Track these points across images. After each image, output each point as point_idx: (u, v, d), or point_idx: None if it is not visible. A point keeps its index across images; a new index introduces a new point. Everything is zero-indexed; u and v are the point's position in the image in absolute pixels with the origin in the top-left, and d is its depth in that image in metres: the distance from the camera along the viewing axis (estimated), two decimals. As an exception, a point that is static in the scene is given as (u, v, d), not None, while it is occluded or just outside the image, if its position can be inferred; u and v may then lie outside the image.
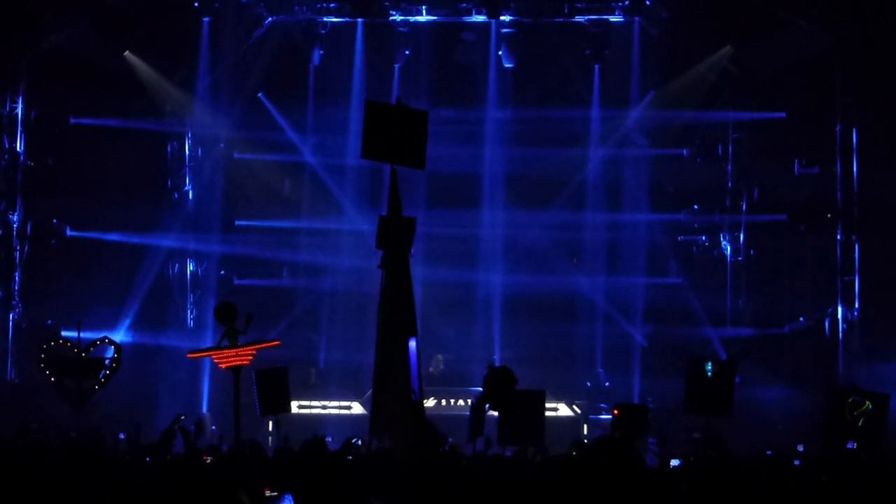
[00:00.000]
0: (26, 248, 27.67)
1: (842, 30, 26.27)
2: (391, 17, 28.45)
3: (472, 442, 16.15)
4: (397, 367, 13.91)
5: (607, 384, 28.08)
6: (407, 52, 28.75)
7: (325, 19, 28.64)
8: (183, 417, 16.68)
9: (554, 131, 28.16)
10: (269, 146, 29.18)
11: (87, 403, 20.79)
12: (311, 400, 26.46)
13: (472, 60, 28.93)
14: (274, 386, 18.68)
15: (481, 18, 28.35)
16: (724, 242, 28.81)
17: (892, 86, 25.88)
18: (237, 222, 29.28)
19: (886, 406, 17.84)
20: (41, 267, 27.67)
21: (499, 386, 15.77)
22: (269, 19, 28.70)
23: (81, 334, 21.18)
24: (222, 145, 29.46)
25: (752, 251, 28.58)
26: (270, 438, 23.14)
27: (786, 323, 27.82)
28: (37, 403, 23.40)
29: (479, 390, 19.41)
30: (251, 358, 15.99)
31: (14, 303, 27.27)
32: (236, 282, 29.00)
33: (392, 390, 13.93)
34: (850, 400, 17.71)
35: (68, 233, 27.97)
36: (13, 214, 27.47)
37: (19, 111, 27.55)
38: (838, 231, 27.22)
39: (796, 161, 27.71)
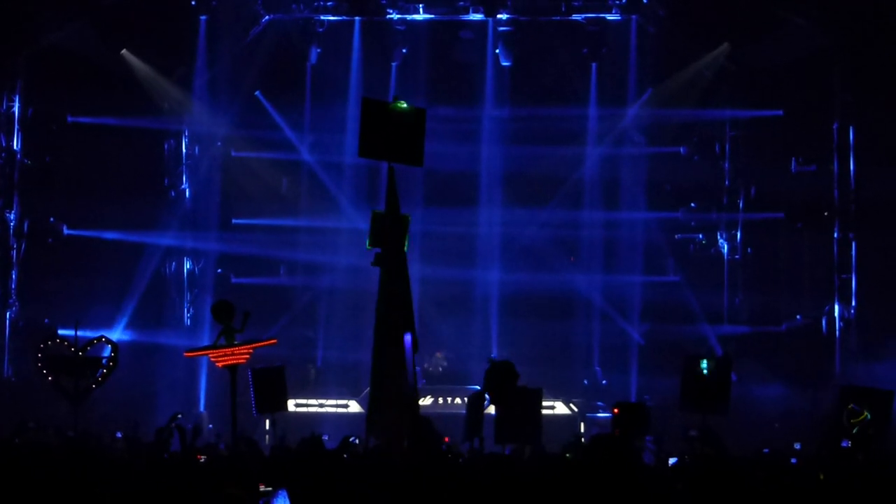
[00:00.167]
0: (23, 247, 27.65)
1: (839, 28, 26.27)
2: (388, 16, 28.46)
3: (470, 440, 16.15)
4: (394, 365, 13.90)
5: (604, 382, 28.11)
6: (404, 51, 28.75)
7: (322, 17, 28.64)
8: (180, 416, 16.69)
9: (551, 129, 28.16)
10: (267, 144, 29.18)
11: (85, 402, 20.79)
12: (308, 398, 26.45)
13: (470, 59, 28.93)
14: (271, 385, 18.68)
15: (478, 17, 28.35)
16: (721, 240, 28.83)
17: (889, 84, 25.89)
18: (234, 220, 29.27)
19: (889, 404, 17.84)
20: (38, 265, 27.65)
21: (500, 380, 15.78)
22: (267, 17, 28.70)
23: (79, 333, 21.19)
24: (219, 143, 29.45)
25: (749, 249, 28.60)
26: (267, 437, 23.15)
27: (783, 321, 27.84)
28: (34, 402, 23.41)
29: (476, 388, 19.43)
30: (248, 356, 15.96)
31: (11, 301, 27.26)
32: (233, 280, 28.99)
33: (389, 388, 13.92)
34: (849, 406, 17.70)
35: (65, 231, 27.97)
36: (10, 213, 27.46)
37: (16, 109, 27.54)
38: (835, 229, 27.24)
39: (793, 159, 27.73)
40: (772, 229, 28.05)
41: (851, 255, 27.06)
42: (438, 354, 28.12)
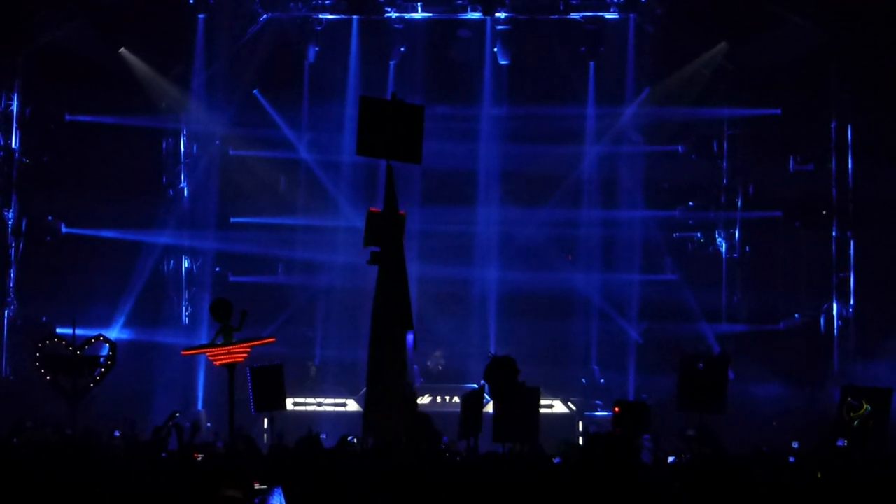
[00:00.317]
0: (21, 245, 27.67)
1: (837, 26, 26.28)
2: (387, 14, 28.45)
3: (466, 439, 16.14)
4: (391, 364, 13.90)
5: (602, 381, 28.10)
6: (402, 49, 28.73)
7: (320, 16, 28.63)
8: (178, 415, 16.69)
9: (549, 128, 28.15)
10: (265, 143, 29.17)
11: (83, 401, 20.81)
12: (306, 397, 26.44)
13: (468, 57, 28.91)
14: (269, 383, 18.67)
15: (477, 15, 28.35)
16: (719, 239, 28.83)
17: (887, 82, 25.91)
18: (232, 219, 29.26)
19: (888, 401, 17.86)
20: (36, 264, 27.67)
21: (501, 375, 15.77)
22: (265, 16, 28.69)
23: (77, 331, 21.21)
24: (218, 142, 29.44)
25: (747, 248, 28.61)
26: (266, 436, 23.14)
27: (781, 319, 27.84)
28: (32, 401, 23.41)
29: (474, 387, 19.41)
30: (246, 355, 15.95)
31: (9, 300, 27.28)
32: (231, 278, 28.99)
33: (386, 387, 13.92)
34: (848, 400, 17.71)
35: (63, 230, 27.98)
36: (8, 211, 27.47)
37: (14, 108, 27.55)
38: (833, 227, 27.27)
39: (791, 157, 27.74)
40: (770, 228, 28.05)
41: (850, 254, 27.07)
42: (437, 353, 28.12)
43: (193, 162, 29.53)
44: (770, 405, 26.18)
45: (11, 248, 27.50)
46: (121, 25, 27.42)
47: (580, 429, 25.60)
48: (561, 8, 27.95)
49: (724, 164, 28.75)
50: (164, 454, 15.66)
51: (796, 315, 27.79)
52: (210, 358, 16.06)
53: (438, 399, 26.16)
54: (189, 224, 29.01)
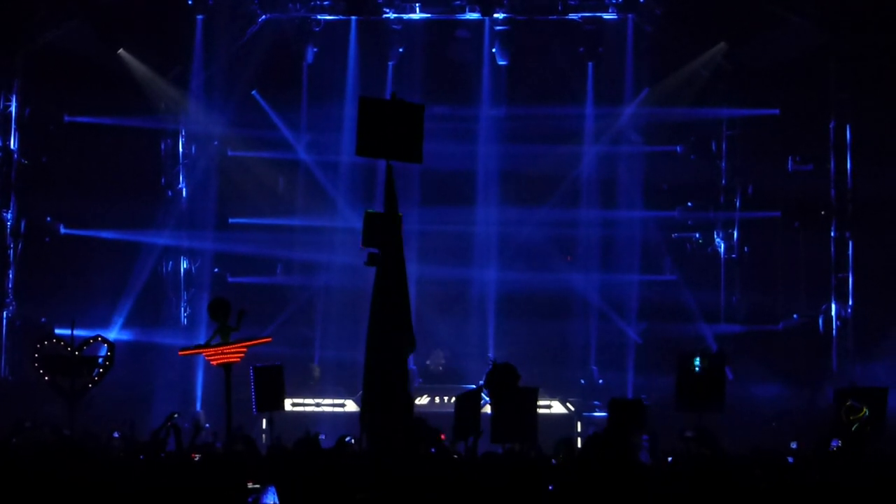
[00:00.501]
0: (20, 246, 27.65)
1: (836, 26, 26.28)
2: (385, 15, 28.44)
3: (463, 439, 16.12)
4: (388, 364, 13.88)
5: (601, 381, 28.09)
6: (401, 50, 28.73)
7: (318, 17, 28.60)
8: (177, 415, 16.67)
9: (548, 128, 28.15)
10: (263, 144, 29.17)
11: (81, 402, 20.81)
12: (304, 397, 26.43)
13: (466, 58, 28.90)
14: (270, 383, 18.69)
15: (475, 16, 28.34)
16: (717, 239, 28.82)
17: (886, 82, 25.91)
18: (231, 220, 29.26)
19: (884, 401, 17.85)
20: (35, 265, 27.66)
21: (502, 380, 15.77)
22: (263, 17, 28.68)
23: (75, 332, 21.21)
24: (216, 143, 29.44)
25: (746, 248, 28.60)
26: (264, 436, 23.12)
27: (780, 320, 27.84)
28: (30, 401, 23.40)
29: (472, 387, 19.41)
30: (243, 355, 15.94)
31: (8, 300, 27.27)
32: (230, 279, 28.98)
33: (382, 388, 13.90)
34: (847, 403, 17.70)
35: (62, 230, 27.98)
36: (7, 212, 27.44)
37: (13, 109, 27.53)
38: (832, 228, 27.26)
39: (790, 158, 27.73)
40: (769, 228, 28.05)
41: (848, 254, 27.06)
42: (439, 353, 28.10)
43: (192, 163, 29.52)
44: (769, 405, 26.17)
45: (10, 248, 27.48)
46: (120, 26, 27.42)
47: (579, 429, 25.59)
48: (559, 8, 27.94)
49: (723, 164, 28.73)
50: (162, 455, 15.64)
51: (795, 315, 27.78)
52: (207, 358, 16.06)
53: (437, 399, 26.15)
54: (188, 225, 29.00)
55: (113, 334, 25.58)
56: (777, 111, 27.46)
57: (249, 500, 10.69)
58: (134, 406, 24.04)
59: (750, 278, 28.34)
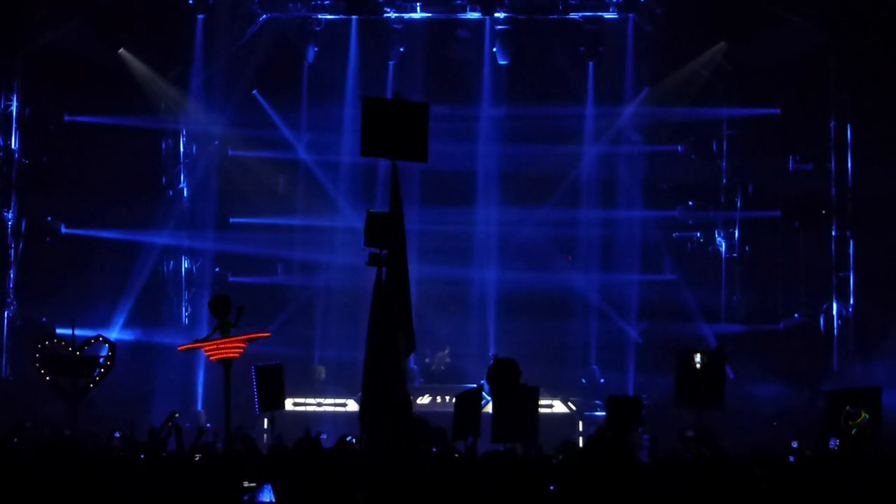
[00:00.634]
0: (21, 246, 27.67)
1: (836, 25, 26.28)
2: (386, 15, 28.44)
3: (462, 439, 16.13)
4: (387, 364, 13.88)
5: (602, 381, 28.09)
6: (401, 49, 28.73)
7: (319, 16, 28.62)
8: (177, 415, 16.67)
9: (548, 128, 28.14)
10: (264, 143, 29.17)
11: (82, 402, 20.81)
12: (305, 397, 26.43)
13: (467, 57, 28.91)
14: (272, 383, 18.70)
15: (476, 15, 28.34)
16: (718, 239, 28.82)
17: (886, 81, 25.91)
18: (232, 219, 29.27)
19: (878, 400, 17.85)
20: (36, 264, 27.67)
21: (504, 376, 15.77)
22: (264, 16, 28.68)
23: (76, 332, 21.22)
24: (217, 142, 29.45)
25: (746, 247, 28.60)
26: (265, 436, 23.15)
27: (780, 319, 27.84)
28: (31, 401, 23.41)
29: (473, 387, 19.39)
30: (241, 350, 15.92)
31: (9, 300, 27.28)
32: (231, 279, 28.97)
33: (382, 388, 13.90)
34: (846, 409, 17.68)
35: (63, 230, 27.99)
36: (8, 212, 27.46)
37: (14, 108, 27.55)
38: (833, 227, 27.27)
39: (791, 157, 27.73)
40: (769, 228, 28.06)
41: (849, 254, 27.07)
42: (442, 353, 28.10)
43: (193, 162, 29.54)
44: (769, 405, 26.16)
45: (11, 248, 27.50)
46: (120, 26, 27.44)
47: (580, 429, 25.59)
48: (560, 8, 27.94)
49: (724, 163, 28.74)
50: (163, 454, 15.64)
51: (796, 315, 27.78)
52: (206, 353, 16.05)
53: (438, 399, 26.15)
54: (188, 224, 29.02)
55: (114, 334, 25.59)
56: (777, 111, 27.46)
57: (245, 498, 10.70)
58: (135, 406, 24.05)
59: (750, 278, 28.35)
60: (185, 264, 29.50)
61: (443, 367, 27.96)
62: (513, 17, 28.30)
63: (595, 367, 28.35)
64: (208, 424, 25.33)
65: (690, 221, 29.15)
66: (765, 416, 25.63)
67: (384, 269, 14.31)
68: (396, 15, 28.43)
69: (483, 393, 16.93)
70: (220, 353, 15.71)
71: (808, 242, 27.65)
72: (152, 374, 27.11)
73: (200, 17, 28.35)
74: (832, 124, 27.21)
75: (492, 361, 16.62)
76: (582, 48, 28.63)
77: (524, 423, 16.42)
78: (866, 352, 26.22)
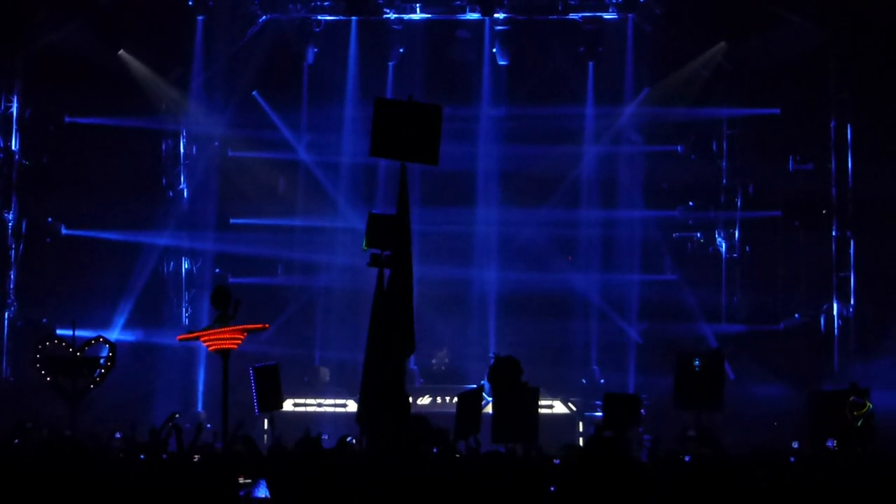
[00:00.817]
0: (21, 247, 27.67)
1: (835, 25, 26.29)
2: (385, 15, 28.45)
3: (464, 439, 16.13)
4: (386, 365, 13.87)
5: (602, 381, 28.07)
6: (401, 50, 28.74)
7: (319, 17, 28.62)
8: (177, 416, 16.67)
9: (548, 128, 28.15)
10: (264, 144, 29.17)
11: (82, 402, 20.82)
12: (306, 398, 26.43)
13: (467, 58, 28.90)
14: (270, 383, 18.69)
15: (475, 16, 28.34)
16: (718, 239, 28.82)
17: (886, 81, 25.91)
18: (232, 220, 29.26)
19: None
20: (36, 265, 27.69)
21: (506, 375, 15.77)
22: (264, 17, 28.69)
23: (76, 333, 21.22)
24: (217, 143, 29.45)
25: (746, 248, 28.59)
26: (266, 436, 23.15)
27: (781, 319, 27.83)
28: (32, 402, 23.41)
29: (473, 387, 19.39)
30: (240, 341, 15.85)
31: (9, 301, 27.28)
32: (231, 279, 28.94)
33: (380, 388, 13.89)
34: (850, 399, 17.68)
35: (63, 231, 27.99)
36: (8, 213, 27.46)
37: (14, 110, 27.56)
38: (833, 227, 27.26)
39: (791, 157, 27.73)
40: (770, 228, 28.05)
41: (850, 254, 27.06)
42: (441, 353, 28.09)
43: (193, 163, 29.53)
44: (770, 405, 26.14)
45: (11, 249, 27.50)
46: (120, 27, 27.44)
47: (581, 429, 25.57)
48: (559, 8, 27.94)
49: (724, 163, 28.73)
50: (164, 455, 15.64)
51: (796, 315, 27.78)
52: (204, 343, 16.00)
53: (438, 399, 26.15)
54: (189, 225, 29.01)
55: (114, 335, 25.58)
56: (777, 111, 27.46)
57: (241, 493, 10.72)
58: (135, 406, 24.07)
59: (751, 278, 28.34)
60: (185, 265, 29.50)
61: (443, 368, 27.95)
62: (512, 18, 28.31)
63: (595, 367, 28.33)
64: (208, 425, 25.37)
65: (690, 221, 29.14)
66: (765, 416, 25.60)
67: (385, 271, 14.30)
68: (396, 16, 28.44)
69: (483, 393, 16.93)
70: (219, 344, 15.65)
71: (808, 242, 27.64)
72: (152, 375, 27.12)
73: (200, 18, 28.36)
74: (832, 124, 27.20)
75: (492, 360, 16.59)
76: (581, 48, 28.63)
77: (524, 424, 16.41)
78: (867, 352, 26.21)
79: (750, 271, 28.44)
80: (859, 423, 17.58)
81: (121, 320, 27.64)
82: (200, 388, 27.79)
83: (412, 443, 13.57)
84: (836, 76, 27.01)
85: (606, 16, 28.28)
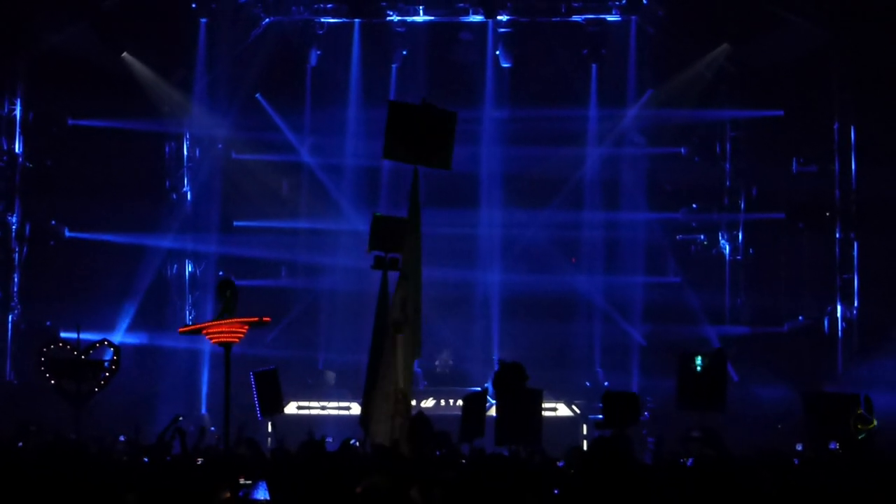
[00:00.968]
0: (25, 250, 27.70)
1: (838, 27, 26.27)
2: (388, 18, 28.47)
3: (470, 441, 16.14)
4: (389, 367, 13.89)
5: (606, 384, 28.04)
6: (404, 52, 28.76)
7: (322, 20, 28.66)
8: (181, 419, 16.68)
9: (551, 130, 28.13)
10: (267, 146, 29.18)
11: (86, 405, 20.81)
12: (309, 400, 26.42)
13: (470, 60, 28.92)
14: (270, 387, 18.69)
15: (478, 18, 28.36)
16: (722, 241, 28.80)
17: (889, 83, 25.88)
18: (235, 223, 29.27)
19: (857, 405, 17.81)
20: (40, 268, 27.68)
21: (511, 381, 15.77)
22: (267, 20, 28.71)
23: (80, 336, 21.22)
24: (220, 146, 29.47)
25: (750, 250, 28.58)
26: (269, 439, 23.16)
27: (784, 321, 27.82)
28: (35, 405, 23.41)
29: (477, 390, 19.40)
30: (242, 335, 15.82)
31: (13, 304, 27.30)
32: (235, 282, 28.92)
33: (384, 390, 13.91)
34: (858, 412, 17.63)
35: (67, 234, 28.00)
36: (12, 216, 27.50)
37: (17, 112, 27.59)
38: (837, 229, 27.26)
39: (794, 159, 27.74)
40: (773, 230, 28.03)
41: (853, 256, 27.06)
42: (444, 355, 28.08)
43: (196, 166, 29.55)
44: (774, 407, 26.11)
45: (15, 252, 27.54)
46: (123, 29, 27.46)
47: (584, 432, 25.55)
48: (562, 10, 27.95)
49: (727, 165, 28.73)
50: (168, 458, 15.65)
51: (800, 317, 27.77)
52: (206, 336, 15.96)
53: (442, 402, 26.14)
54: (192, 228, 29.02)
55: (118, 337, 25.60)
56: (781, 112, 27.44)
57: (241, 494, 10.72)
58: (139, 409, 24.07)
59: (754, 280, 28.32)
60: (188, 268, 29.51)
61: (447, 370, 27.94)
62: (515, 20, 28.33)
63: (599, 369, 28.32)
64: (212, 428, 25.38)
65: (694, 223, 29.14)
66: (769, 418, 25.57)
67: (389, 273, 14.32)
68: (399, 18, 28.46)
69: (487, 396, 16.93)
70: (221, 337, 15.62)
71: (812, 244, 27.63)
72: (156, 378, 27.12)
73: (203, 20, 28.39)
74: (836, 126, 27.20)
75: (497, 367, 16.59)
76: (585, 50, 28.62)
77: (528, 426, 16.41)
78: (870, 353, 26.18)
79: (753, 273, 28.42)
80: (861, 437, 17.52)
81: (124, 323, 27.65)
82: (204, 390, 27.79)
83: (417, 444, 13.58)
84: (840, 78, 27.01)
85: (609, 18, 28.29)
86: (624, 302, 28.67)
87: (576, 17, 28.15)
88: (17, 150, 27.61)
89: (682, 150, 28.81)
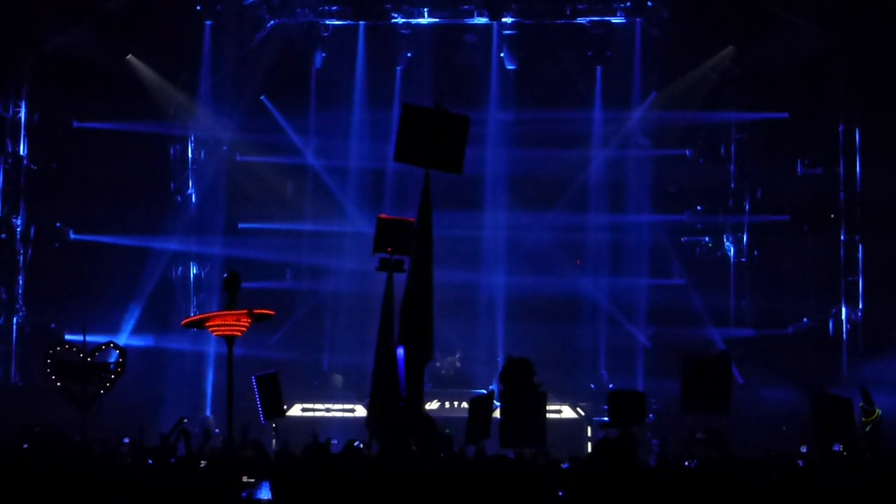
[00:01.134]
0: (30, 252, 27.72)
1: (843, 29, 26.28)
2: (393, 20, 28.50)
3: (476, 443, 16.13)
4: (393, 369, 13.88)
5: (611, 386, 28.03)
6: (409, 55, 28.78)
7: (326, 22, 28.70)
8: (185, 421, 16.68)
9: (556, 132, 28.13)
10: (272, 149, 29.19)
11: (92, 408, 20.82)
12: (314, 403, 26.43)
13: (474, 62, 28.94)
14: (271, 391, 18.68)
15: (483, 20, 28.39)
16: (727, 243, 28.80)
17: (894, 84, 25.87)
18: (240, 225, 29.28)
19: (851, 410, 17.82)
20: (45, 270, 27.72)
21: (518, 376, 15.77)
22: (272, 22, 28.74)
23: (86, 338, 21.23)
24: (225, 148, 29.50)
25: (755, 252, 28.58)
26: (274, 442, 23.16)
27: (789, 323, 27.81)
28: (40, 406, 23.43)
29: (482, 392, 19.41)
30: (245, 329, 15.80)
31: (18, 306, 27.32)
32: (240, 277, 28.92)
33: (388, 392, 13.90)
34: (861, 405, 17.65)
35: (71, 236, 28.04)
36: (17, 218, 27.52)
37: (22, 115, 27.61)
38: (841, 231, 27.27)
39: (799, 161, 27.74)
40: (778, 232, 28.03)
41: (858, 258, 27.05)
42: (452, 358, 28.07)
43: (201, 168, 29.57)
44: (778, 409, 26.10)
45: (20, 254, 27.57)
46: (128, 32, 27.48)
47: (588, 434, 25.55)
48: (567, 12, 27.98)
49: (732, 167, 28.73)
50: (172, 460, 15.65)
51: (805, 319, 27.76)
52: (209, 329, 15.95)
53: (447, 404, 26.13)
54: (197, 230, 29.05)
55: (123, 340, 25.61)
56: (786, 115, 27.45)
57: (244, 494, 10.73)
58: (144, 411, 24.07)
59: (759, 282, 28.32)
60: (193, 270, 29.52)
61: (452, 372, 27.94)
62: (520, 22, 28.34)
63: (604, 371, 28.30)
64: (217, 430, 25.38)
65: (699, 225, 29.14)
66: (773, 420, 25.57)
67: (395, 275, 14.32)
68: (404, 20, 28.48)
69: (494, 398, 16.93)
70: (224, 330, 15.61)
71: (816, 246, 27.63)
72: (161, 380, 27.13)
73: (208, 22, 28.43)
74: (840, 128, 27.21)
75: (506, 361, 16.59)
76: (589, 52, 28.62)
77: (532, 428, 16.40)
78: (875, 355, 26.16)
79: (758, 275, 28.42)
80: (867, 430, 17.54)
81: (129, 325, 27.67)
82: (209, 392, 27.80)
83: (422, 446, 13.57)
84: (844, 80, 27.01)
85: (614, 20, 28.30)
86: (628, 304, 28.68)
87: (580, 20, 28.18)
88: (21, 153, 27.64)
89: (687, 152, 28.81)
